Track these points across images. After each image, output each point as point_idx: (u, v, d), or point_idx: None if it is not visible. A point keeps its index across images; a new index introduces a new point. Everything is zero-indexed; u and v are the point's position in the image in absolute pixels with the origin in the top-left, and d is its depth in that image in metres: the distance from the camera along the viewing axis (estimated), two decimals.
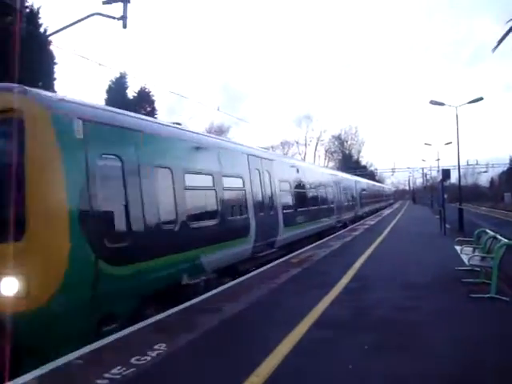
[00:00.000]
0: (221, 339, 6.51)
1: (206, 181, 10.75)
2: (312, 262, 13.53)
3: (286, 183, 17.44)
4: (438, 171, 42.28)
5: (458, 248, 11.39)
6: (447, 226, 22.58)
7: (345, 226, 28.49)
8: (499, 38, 15.48)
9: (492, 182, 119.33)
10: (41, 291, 6.22)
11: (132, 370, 5.30)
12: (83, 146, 6.96)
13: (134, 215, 7.76)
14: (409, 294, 8.93)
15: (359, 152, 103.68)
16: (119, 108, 9.54)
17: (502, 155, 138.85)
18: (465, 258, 9.68)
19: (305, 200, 20.01)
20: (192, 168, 10.10)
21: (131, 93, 37.58)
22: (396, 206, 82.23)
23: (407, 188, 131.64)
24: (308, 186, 20.98)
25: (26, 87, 6.82)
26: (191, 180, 9.85)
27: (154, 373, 5.26)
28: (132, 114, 9.52)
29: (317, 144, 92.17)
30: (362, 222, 33.39)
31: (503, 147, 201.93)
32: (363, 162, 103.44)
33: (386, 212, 52.70)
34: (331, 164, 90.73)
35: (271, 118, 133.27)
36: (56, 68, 23.98)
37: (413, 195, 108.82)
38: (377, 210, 52.54)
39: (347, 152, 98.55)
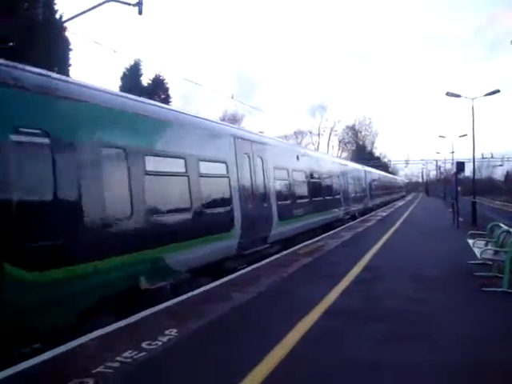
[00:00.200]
0: (231, 326, 6.54)
1: (176, 165, 9.18)
2: (323, 252, 13.55)
3: (282, 171, 15.54)
4: (453, 164, 41.97)
5: (470, 241, 11.28)
6: (460, 219, 22.39)
7: (353, 218, 27.36)
8: None
9: (507, 175, 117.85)
10: None
11: (143, 354, 5.37)
12: None
13: (66, 207, 6.43)
14: (420, 286, 8.90)
15: (373, 143, 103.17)
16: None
17: None
18: (477, 252, 9.59)
19: (306, 190, 18.16)
20: (155, 149, 8.53)
21: (146, 80, 37.63)
22: (409, 198, 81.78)
23: (420, 180, 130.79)
24: (310, 174, 18.98)
25: None
26: (154, 164, 8.38)
27: (164, 357, 5.32)
28: (78, 81, 8.21)
29: (330, 134, 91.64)
30: (373, 213, 33.25)
31: None
32: (377, 153, 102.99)
33: (399, 204, 52.45)
34: (344, 154, 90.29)
35: (285, 107, 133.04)
36: (71, 54, 24.11)
37: (426, 187, 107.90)
38: (388, 202, 51.73)
39: (361, 143, 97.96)
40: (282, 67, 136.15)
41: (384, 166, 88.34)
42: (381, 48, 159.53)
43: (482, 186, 73.18)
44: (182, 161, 9.31)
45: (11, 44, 14.54)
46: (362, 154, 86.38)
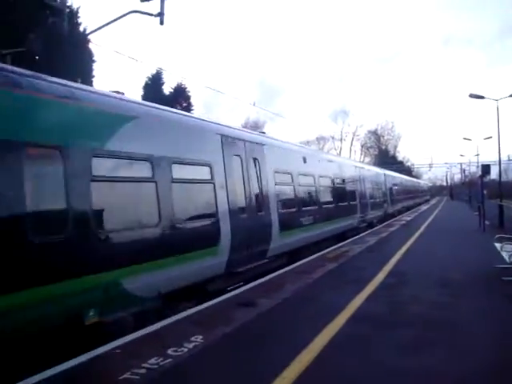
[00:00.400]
0: (257, 333, 6.54)
1: (137, 169, 7.61)
2: (348, 258, 13.46)
3: (285, 175, 13.70)
4: (478, 167, 41.34)
5: (497, 245, 11.10)
6: (486, 222, 22.02)
7: (371, 225, 25.17)
8: None
9: None
10: None
11: (169, 360, 5.39)
12: None
13: None
14: (446, 291, 8.77)
15: (395, 147, 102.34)
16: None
17: None
18: (505, 255, 9.43)
19: (314, 196, 16.21)
20: (106, 149, 6.87)
21: (167, 89, 38.03)
22: (433, 202, 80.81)
23: (445, 184, 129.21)
24: (320, 179, 16.82)
25: None
26: (104, 167, 6.87)
27: (190, 364, 5.33)
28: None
29: (352, 139, 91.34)
30: (396, 218, 32.87)
31: None
32: (400, 157, 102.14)
33: (423, 208, 51.80)
34: (367, 159, 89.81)
35: (307, 113, 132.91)
36: (94, 65, 24.54)
37: (450, 191, 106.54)
38: (411, 207, 50.20)
39: (383, 147, 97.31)
40: (303, 73, 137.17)
41: (407, 170, 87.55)
42: (403, 51, 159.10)
43: (508, 189, 71.67)
44: (147, 164, 7.66)
45: (37, 57, 14.90)
46: (385, 158, 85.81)
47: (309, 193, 15.85)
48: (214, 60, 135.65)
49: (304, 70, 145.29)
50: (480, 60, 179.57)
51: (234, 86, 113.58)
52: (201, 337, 6.20)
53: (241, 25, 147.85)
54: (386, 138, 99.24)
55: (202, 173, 9.38)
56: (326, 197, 17.65)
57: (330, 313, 7.23)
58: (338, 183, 19.50)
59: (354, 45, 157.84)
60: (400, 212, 39.22)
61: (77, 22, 23.68)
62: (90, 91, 7.44)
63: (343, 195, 20.00)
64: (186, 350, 5.75)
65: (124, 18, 15.88)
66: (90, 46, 21.65)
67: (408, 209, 46.25)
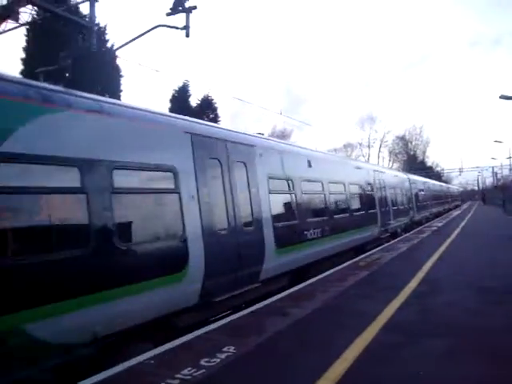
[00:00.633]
0: (289, 343, 6.50)
1: (62, 178, 5.97)
2: (380, 265, 13.30)
3: (283, 182, 11.80)
4: (510, 169, 40.41)
5: None
6: None
7: (395, 235, 23.02)
8: None
9: None
10: None
11: (202, 371, 5.40)
12: None
13: None
14: (482, 299, 8.54)
15: (424, 152, 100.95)
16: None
17: None
18: None
19: (322, 205, 14.11)
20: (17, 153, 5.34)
21: (194, 100, 38.46)
22: (464, 207, 79.26)
23: (476, 188, 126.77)
24: (330, 185, 14.66)
25: None
26: (12, 177, 5.32)
27: (223, 375, 5.33)
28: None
29: (380, 145, 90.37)
30: (427, 224, 32.29)
31: None
32: (429, 162, 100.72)
33: (454, 214, 50.81)
34: (396, 165, 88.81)
35: (334, 121, 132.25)
36: (122, 80, 25.12)
37: (482, 195, 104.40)
38: (440, 214, 48.24)
39: (412, 153, 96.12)
40: (329, 80, 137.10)
41: (437, 175, 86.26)
42: (429, 55, 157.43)
43: None
44: (75, 171, 6.00)
45: (67, 75, 15.28)
46: (414, 164, 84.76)
47: (315, 201, 13.82)
48: (241, 71, 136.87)
49: (330, 77, 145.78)
50: (509, 60, 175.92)
51: (261, 96, 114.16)
52: (233, 347, 6.19)
53: (266, 34, 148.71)
54: (414, 143, 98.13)
55: (161, 180, 7.73)
56: (338, 205, 15.64)
57: (362, 322, 7.13)
58: (352, 190, 17.13)
59: (380, 50, 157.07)
60: (428, 219, 37.42)
61: (104, 38, 24.37)
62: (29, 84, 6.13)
63: (359, 203, 17.90)
64: (218, 360, 5.75)
65: (150, 32, 16.13)
66: (118, 61, 22.15)
67: (437, 215, 44.70)
